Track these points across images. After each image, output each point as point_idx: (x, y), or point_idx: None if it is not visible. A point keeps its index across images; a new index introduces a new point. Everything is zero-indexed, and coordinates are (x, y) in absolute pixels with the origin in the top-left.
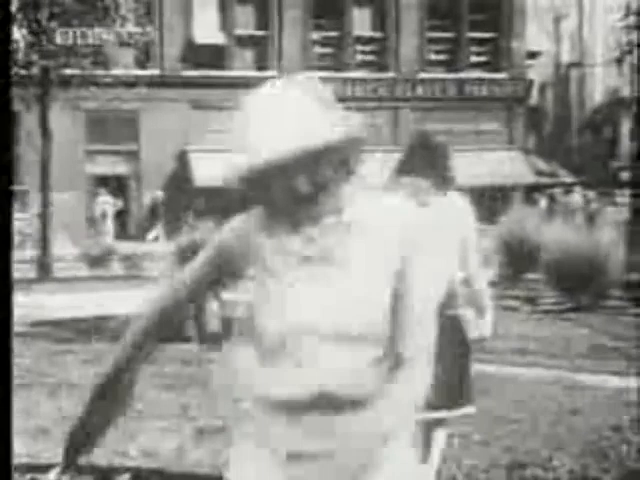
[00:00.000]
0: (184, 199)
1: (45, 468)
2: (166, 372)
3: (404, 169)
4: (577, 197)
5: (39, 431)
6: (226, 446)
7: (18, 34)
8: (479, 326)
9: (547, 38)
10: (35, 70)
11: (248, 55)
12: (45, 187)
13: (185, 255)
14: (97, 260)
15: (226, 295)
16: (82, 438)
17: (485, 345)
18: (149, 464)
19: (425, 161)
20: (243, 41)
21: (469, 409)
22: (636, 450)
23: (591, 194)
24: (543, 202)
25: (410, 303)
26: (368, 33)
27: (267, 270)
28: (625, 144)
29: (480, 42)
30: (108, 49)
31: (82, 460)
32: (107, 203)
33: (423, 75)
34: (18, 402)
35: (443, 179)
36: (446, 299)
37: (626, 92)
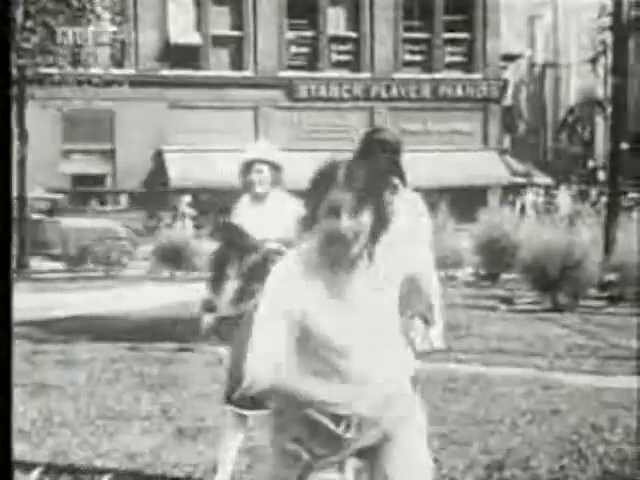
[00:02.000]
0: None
1: (27, 468)
2: (146, 372)
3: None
4: (553, 197)
5: (17, 432)
6: (206, 446)
7: None
8: (429, 337)
9: (521, 38)
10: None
11: (224, 55)
12: (22, 186)
13: (164, 255)
14: (74, 260)
15: None
16: None
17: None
18: (129, 465)
19: (380, 161)
20: (219, 41)
21: None
22: (614, 450)
23: (567, 194)
24: (519, 202)
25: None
26: (343, 33)
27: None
28: (600, 144)
29: (455, 42)
30: (84, 48)
31: (62, 460)
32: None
33: (398, 75)
34: None
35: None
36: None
37: (600, 92)
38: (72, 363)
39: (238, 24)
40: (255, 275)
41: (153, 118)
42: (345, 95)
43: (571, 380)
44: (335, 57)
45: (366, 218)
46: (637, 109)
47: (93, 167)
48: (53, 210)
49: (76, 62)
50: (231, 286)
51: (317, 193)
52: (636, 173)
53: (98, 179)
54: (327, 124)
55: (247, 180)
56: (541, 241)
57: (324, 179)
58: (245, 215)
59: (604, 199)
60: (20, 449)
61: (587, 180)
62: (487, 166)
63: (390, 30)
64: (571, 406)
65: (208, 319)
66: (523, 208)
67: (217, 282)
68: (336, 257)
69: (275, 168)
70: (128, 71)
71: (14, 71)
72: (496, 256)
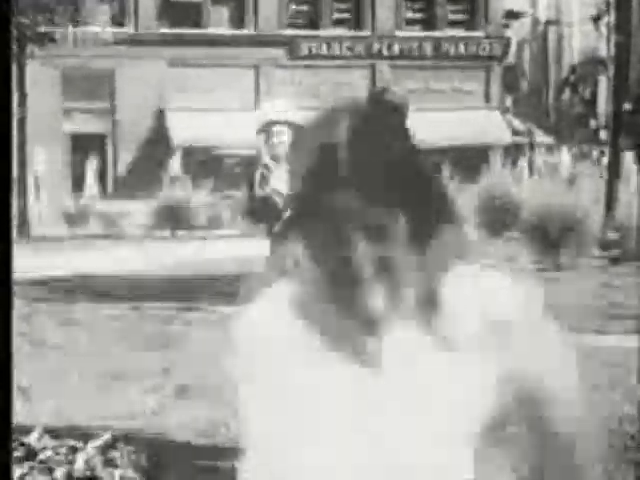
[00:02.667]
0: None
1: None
2: (146, 332)
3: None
4: (555, 157)
5: (18, 391)
6: (208, 404)
7: None
8: None
9: None
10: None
11: (224, 12)
12: (22, 146)
13: (165, 214)
14: (76, 219)
15: None
16: None
17: None
18: (130, 424)
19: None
20: None
21: None
22: (615, 409)
23: (569, 154)
24: (521, 161)
25: None
26: None
27: None
28: (603, 103)
29: (457, 0)
30: (83, 6)
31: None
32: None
33: (400, 33)
34: None
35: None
36: None
37: (603, 51)
38: (73, 322)
39: None
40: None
41: (153, 77)
42: (346, 53)
43: (572, 339)
44: (336, 15)
45: (402, 232)
46: None
47: (93, 126)
48: None
49: (76, 21)
50: None
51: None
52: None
53: (98, 138)
54: (328, 82)
55: (267, 142)
56: (542, 200)
57: (317, 155)
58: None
59: (605, 159)
60: (20, 408)
61: (589, 139)
62: (489, 125)
63: None
64: None
65: None
66: (526, 167)
67: None
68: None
69: (295, 129)
70: (127, 29)
71: (14, 30)
72: (498, 215)
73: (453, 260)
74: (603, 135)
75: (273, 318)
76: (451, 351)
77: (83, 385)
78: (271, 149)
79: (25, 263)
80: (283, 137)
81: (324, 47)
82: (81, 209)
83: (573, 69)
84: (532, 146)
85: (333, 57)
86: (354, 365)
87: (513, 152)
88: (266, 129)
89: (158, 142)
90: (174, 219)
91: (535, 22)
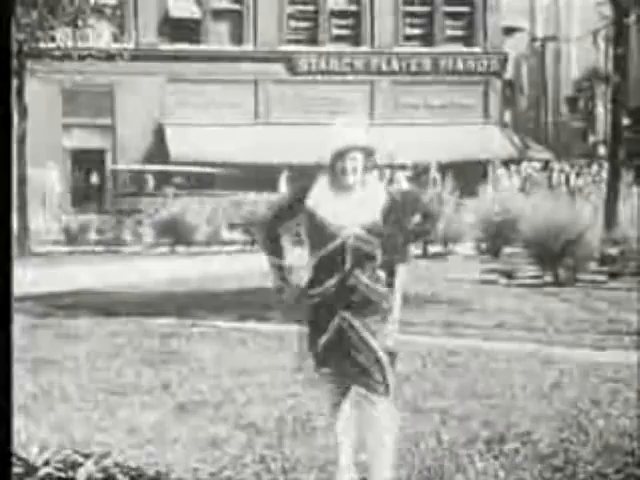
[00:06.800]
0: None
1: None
2: (146, 347)
3: None
4: (554, 172)
5: (18, 407)
6: (207, 421)
7: None
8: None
9: (522, 12)
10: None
11: (223, 29)
12: (21, 161)
13: (164, 229)
14: (76, 234)
15: None
16: None
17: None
18: (129, 439)
19: None
20: (218, 14)
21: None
22: (614, 424)
23: (568, 169)
24: (520, 176)
25: None
26: (343, 7)
27: None
28: (602, 118)
29: (455, 16)
30: (84, 22)
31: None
32: None
33: (398, 49)
34: None
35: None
36: None
37: (602, 65)
38: (73, 337)
39: None
40: (327, 266)
41: (152, 92)
42: (345, 69)
43: (572, 354)
44: (335, 31)
45: None
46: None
47: (93, 141)
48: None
49: (76, 37)
50: (300, 276)
51: None
52: (637, 147)
53: (98, 153)
54: (327, 98)
55: (339, 168)
56: (542, 215)
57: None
58: (325, 201)
59: (605, 174)
60: (21, 424)
61: (587, 154)
62: (488, 140)
63: (390, 3)
64: (571, 380)
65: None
66: (524, 182)
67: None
68: None
69: (369, 154)
70: (127, 45)
71: (14, 46)
72: (497, 230)
73: None
74: (602, 150)
75: None
76: None
77: (83, 401)
78: (342, 175)
79: (25, 279)
80: (357, 163)
81: (323, 63)
82: (81, 224)
83: (579, 89)
84: (531, 161)
85: (332, 73)
86: None
87: (512, 167)
88: (340, 154)
89: (158, 157)
90: (173, 234)
91: (533, 38)
